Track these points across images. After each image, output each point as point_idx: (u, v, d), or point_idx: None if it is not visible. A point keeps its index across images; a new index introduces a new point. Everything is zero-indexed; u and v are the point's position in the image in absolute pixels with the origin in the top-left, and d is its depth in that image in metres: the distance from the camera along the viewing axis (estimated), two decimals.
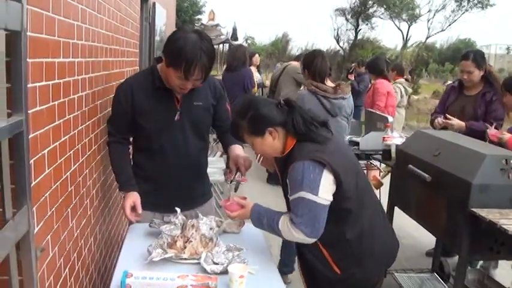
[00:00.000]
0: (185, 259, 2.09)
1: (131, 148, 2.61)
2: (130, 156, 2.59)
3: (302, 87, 5.69)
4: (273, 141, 2.07)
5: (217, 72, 13.46)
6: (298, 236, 1.97)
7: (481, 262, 3.95)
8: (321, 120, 2.12)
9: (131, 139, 2.57)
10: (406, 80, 7.33)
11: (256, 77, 7.79)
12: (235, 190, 2.63)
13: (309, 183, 1.91)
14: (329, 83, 3.68)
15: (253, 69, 7.80)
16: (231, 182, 2.53)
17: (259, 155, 2.39)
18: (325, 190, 1.94)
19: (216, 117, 2.53)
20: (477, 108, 3.99)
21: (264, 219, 2.09)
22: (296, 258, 3.89)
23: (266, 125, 2.05)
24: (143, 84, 2.38)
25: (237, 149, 2.51)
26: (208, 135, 2.64)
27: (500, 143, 3.51)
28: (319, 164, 1.93)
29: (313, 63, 3.68)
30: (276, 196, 4.72)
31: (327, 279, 2.10)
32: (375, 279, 2.17)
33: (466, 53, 4.13)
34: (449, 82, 4.79)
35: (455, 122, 3.94)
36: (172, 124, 2.38)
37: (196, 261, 2.08)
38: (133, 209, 2.38)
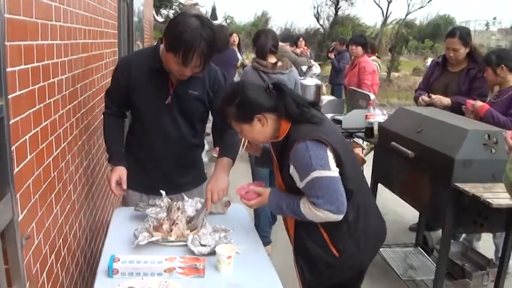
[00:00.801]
0: (172, 242, 2.08)
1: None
2: (124, 130, 2.58)
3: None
4: (262, 128, 2.01)
5: None
6: (325, 217, 1.91)
7: (464, 235, 4.03)
8: (311, 101, 2.09)
9: (129, 115, 2.57)
10: (378, 57, 7.34)
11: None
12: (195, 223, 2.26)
13: (318, 161, 1.86)
14: (271, 59, 3.98)
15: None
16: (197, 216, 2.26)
17: (244, 141, 2.31)
18: (334, 164, 1.90)
19: (213, 108, 2.47)
20: (461, 85, 3.99)
21: (284, 205, 2.02)
22: (271, 228, 4.15)
23: (254, 112, 1.99)
24: (143, 62, 2.35)
25: (216, 173, 2.34)
26: (203, 125, 2.57)
27: (474, 111, 3.56)
28: (321, 143, 1.88)
29: (257, 41, 4.02)
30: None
31: (326, 264, 2.05)
32: (369, 259, 2.14)
33: (452, 30, 4.11)
34: (430, 59, 4.79)
35: (440, 99, 3.95)
36: (162, 106, 2.35)
37: (183, 243, 2.08)
38: (119, 183, 2.40)
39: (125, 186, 2.41)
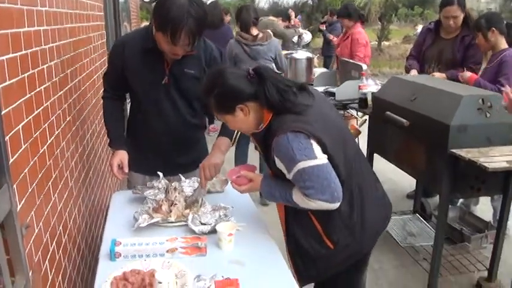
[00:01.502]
0: (172, 222, 2.09)
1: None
2: (123, 113, 2.59)
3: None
4: (245, 117, 1.89)
5: None
6: (319, 206, 1.81)
7: (461, 200, 4.07)
8: (299, 84, 1.94)
9: (128, 97, 2.56)
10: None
11: None
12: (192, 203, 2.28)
13: (302, 152, 1.74)
14: (254, 32, 4.46)
15: None
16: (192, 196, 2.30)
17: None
18: (319, 151, 1.77)
19: None
20: (456, 53, 3.94)
21: (276, 192, 1.93)
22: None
23: (234, 102, 1.86)
24: (137, 43, 2.33)
25: (212, 151, 2.36)
26: (201, 104, 2.53)
27: (464, 82, 3.58)
28: (302, 134, 1.75)
29: (239, 16, 4.48)
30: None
31: (321, 257, 1.96)
32: (368, 248, 2.04)
33: None
34: (420, 26, 4.72)
35: (433, 75, 3.92)
36: (158, 87, 2.34)
37: (183, 223, 2.09)
38: (121, 167, 2.42)
39: (126, 170, 2.43)
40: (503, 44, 3.57)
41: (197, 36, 2.14)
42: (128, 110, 2.62)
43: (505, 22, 3.65)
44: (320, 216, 1.91)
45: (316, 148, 1.76)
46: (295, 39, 6.93)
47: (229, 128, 2.07)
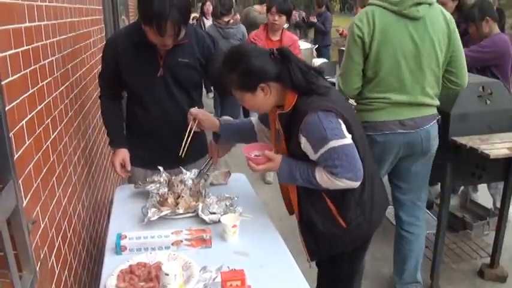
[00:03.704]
0: (181, 214, 2.10)
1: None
2: (121, 111, 2.60)
3: None
4: (265, 97, 1.89)
5: None
6: (344, 185, 1.85)
7: (462, 188, 4.08)
8: (317, 69, 1.97)
9: (125, 95, 2.57)
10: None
11: (208, 25, 7.79)
12: (201, 177, 2.37)
13: (332, 131, 1.77)
14: (226, 19, 5.90)
15: (205, 20, 8.14)
16: (201, 170, 2.39)
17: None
18: (346, 131, 1.82)
19: (210, 76, 2.44)
20: None
21: (297, 173, 1.91)
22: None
23: (258, 81, 1.85)
24: (128, 38, 2.34)
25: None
26: (198, 93, 2.56)
27: None
28: (332, 113, 1.79)
29: (214, 9, 6.11)
30: None
31: (334, 235, 2.00)
32: (375, 227, 2.10)
33: None
34: None
35: None
36: (154, 80, 2.34)
37: (191, 214, 2.10)
38: (123, 166, 2.45)
39: (129, 168, 2.46)
40: (496, 30, 3.64)
41: (183, 25, 2.15)
42: (125, 107, 2.62)
43: (495, 8, 3.75)
44: (333, 196, 1.94)
45: (344, 128, 1.81)
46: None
47: (245, 106, 2.04)
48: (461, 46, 2.61)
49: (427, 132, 2.57)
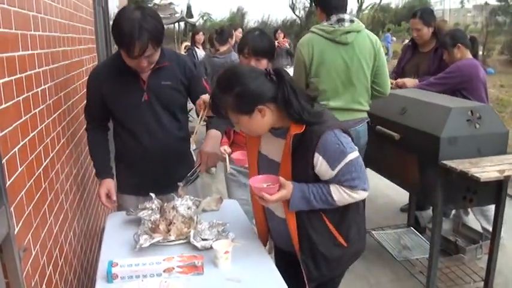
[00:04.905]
0: (173, 241, 2.09)
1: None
2: (108, 142, 2.59)
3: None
4: (262, 119, 1.83)
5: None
6: (359, 196, 1.88)
7: (453, 211, 4.09)
8: (311, 96, 1.93)
9: (111, 125, 2.57)
10: None
11: (200, 55, 7.89)
12: (187, 184, 2.37)
13: (348, 145, 1.81)
14: (221, 48, 5.76)
15: (196, 49, 8.07)
16: (187, 177, 2.37)
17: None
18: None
19: (193, 97, 2.45)
20: (431, 65, 4.11)
21: (311, 195, 1.86)
22: None
23: (255, 103, 1.79)
24: (110, 69, 2.37)
25: (210, 140, 2.41)
26: (184, 114, 2.58)
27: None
28: (342, 131, 1.84)
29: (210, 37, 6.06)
30: None
31: (335, 256, 1.98)
32: (365, 244, 2.12)
33: (414, 11, 4.29)
34: (407, 41, 4.92)
35: (404, 82, 4.10)
36: (140, 105, 2.36)
37: (183, 241, 2.09)
38: (109, 196, 2.44)
39: (114, 198, 2.46)
40: (467, 56, 3.81)
41: (154, 46, 2.17)
42: (112, 137, 2.61)
43: (468, 36, 3.95)
44: (333, 216, 1.95)
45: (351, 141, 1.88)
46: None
47: (241, 129, 1.99)
48: (385, 62, 3.20)
49: (357, 132, 3.10)
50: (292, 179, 1.89)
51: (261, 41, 2.78)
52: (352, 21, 3.08)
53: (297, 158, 1.86)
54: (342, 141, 1.80)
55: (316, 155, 1.81)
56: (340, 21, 3.03)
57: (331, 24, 3.04)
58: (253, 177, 2.01)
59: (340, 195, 1.86)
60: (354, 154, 1.82)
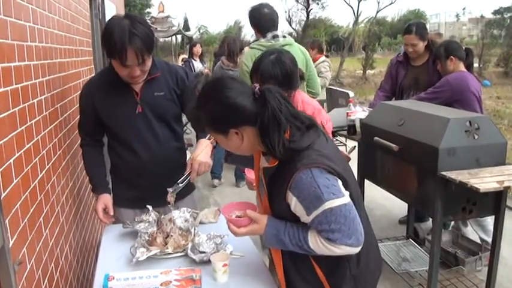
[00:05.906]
0: (170, 254, 2.07)
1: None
2: (103, 157, 2.56)
3: None
4: (239, 141, 1.62)
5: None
6: (343, 251, 1.58)
7: (452, 223, 4.07)
8: (307, 118, 1.66)
9: (106, 140, 2.54)
10: (327, 56, 7.26)
11: (197, 67, 8.11)
12: (175, 190, 2.32)
13: (329, 190, 1.51)
14: (228, 62, 5.84)
15: (194, 61, 8.23)
16: (178, 183, 2.32)
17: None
18: (343, 188, 1.57)
19: (186, 106, 2.45)
20: (431, 76, 4.09)
21: (286, 238, 1.63)
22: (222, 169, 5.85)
23: (228, 124, 1.59)
24: (102, 83, 2.37)
25: (200, 148, 2.37)
26: (179, 125, 2.57)
27: None
28: (326, 171, 1.54)
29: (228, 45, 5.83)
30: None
31: None
32: None
33: (408, 27, 4.25)
34: (394, 57, 4.84)
35: None
36: (134, 118, 2.35)
37: (180, 254, 2.06)
38: (106, 212, 2.42)
39: (111, 213, 2.43)
40: (460, 68, 3.81)
41: (146, 53, 2.17)
42: (107, 152, 2.59)
43: (464, 48, 3.94)
44: (325, 265, 1.69)
45: (340, 184, 1.57)
46: None
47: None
48: (314, 69, 3.80)
49: None
50: (272, 213, 1.71)
51: (272, 68, 2.45)
52: (284, 36, 3.74)
53: (275, 191, 1.64)
54: (319, 184, 1.50)
55: (290, 194, 1.57)
56: (275, 37, 3.65)
57: (268, 40, 3.64)
58: (228, 204, 1.87)
59: (317, 245, 1.59)
60: (337, 202, 1.51)
